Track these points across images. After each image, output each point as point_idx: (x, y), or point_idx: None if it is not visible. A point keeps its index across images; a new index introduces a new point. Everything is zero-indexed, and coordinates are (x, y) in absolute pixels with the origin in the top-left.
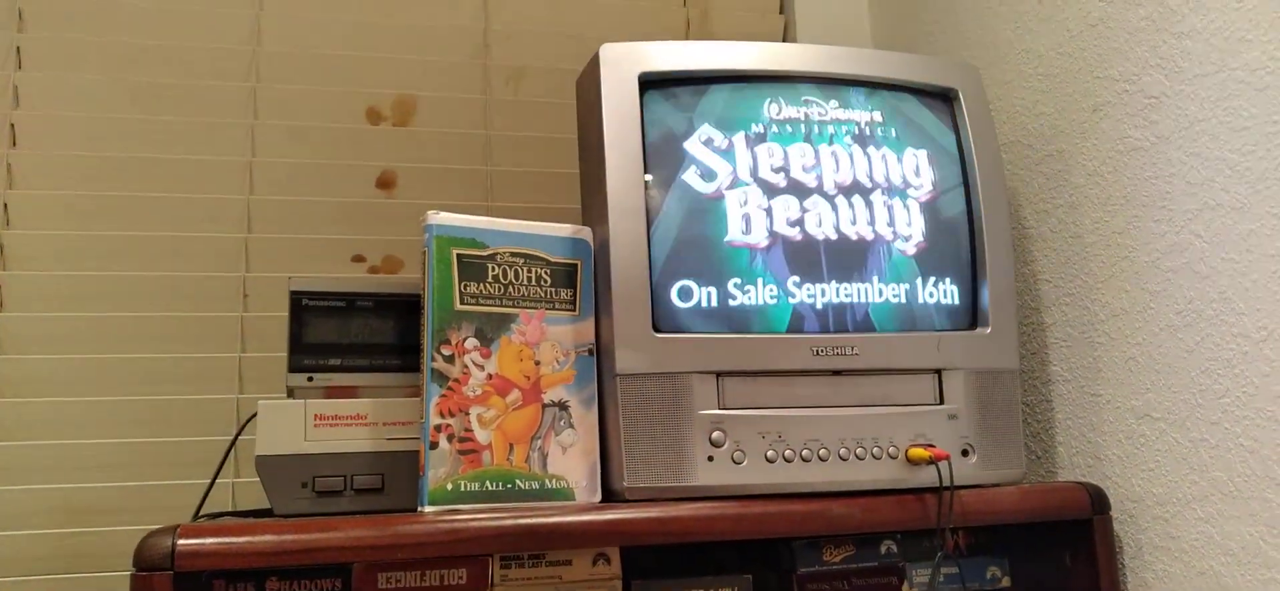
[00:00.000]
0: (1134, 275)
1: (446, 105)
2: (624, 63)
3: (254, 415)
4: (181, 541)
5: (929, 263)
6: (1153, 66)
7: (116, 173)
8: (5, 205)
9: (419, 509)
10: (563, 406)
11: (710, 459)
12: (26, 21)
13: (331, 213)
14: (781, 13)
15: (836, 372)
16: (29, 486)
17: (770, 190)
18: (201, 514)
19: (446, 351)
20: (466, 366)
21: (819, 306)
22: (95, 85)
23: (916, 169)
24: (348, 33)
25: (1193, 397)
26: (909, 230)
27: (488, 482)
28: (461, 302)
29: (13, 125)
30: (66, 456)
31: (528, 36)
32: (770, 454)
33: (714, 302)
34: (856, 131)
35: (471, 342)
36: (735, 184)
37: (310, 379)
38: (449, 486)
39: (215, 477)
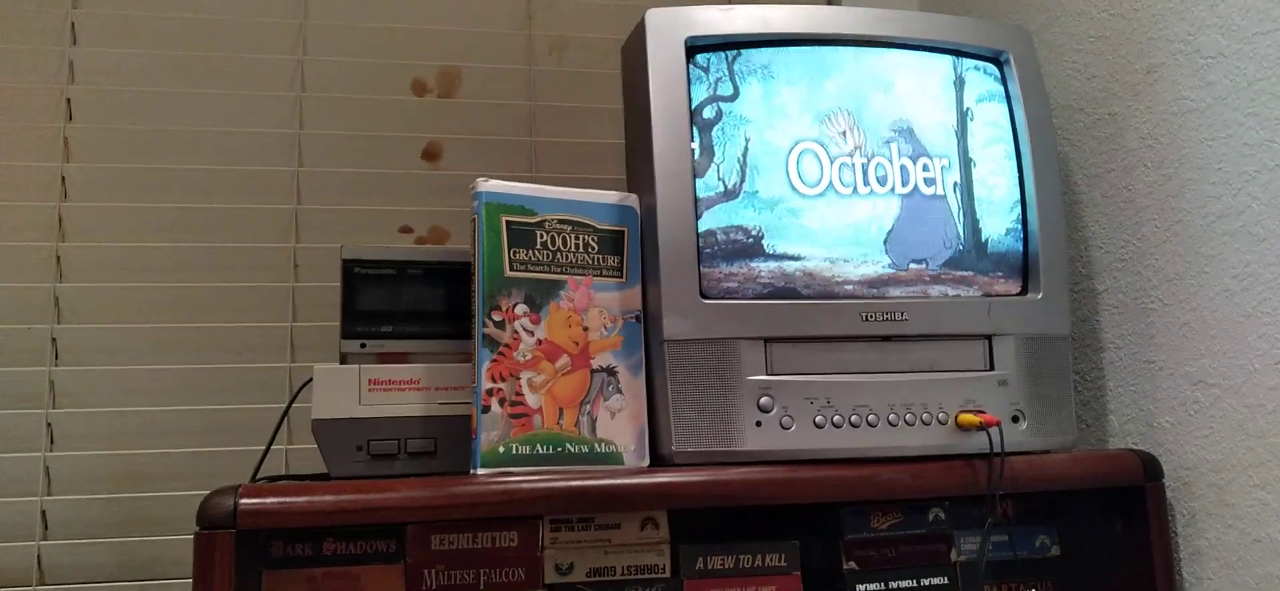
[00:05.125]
0: (1188, 239)
1: (490, 76)
2: (670, 28)
3: (309, 380)
4: (243, 501)
5: (979, 227)
6: (1210, 26)
7: (169, 146)
8: (63, 178)
9: (472, 471)
10: (611, 372)
11: (758, 424)
12: None
13: (378, 184)
14: None
15: (886, 338)
16: (89, 452)
17: (818, 155)
18: (258, 477)
19: (497, 317)
20: (516, 332)
21: (867, 272)
22: (147, 60)
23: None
24: (392, 6)
25: (1249, 363)
26: (959, 194)
27: (538, 446)
28: (511, 269)
29: (68, 100)
30: (124, 423)
31: (570, 7)
32: (819, 419)
33: (762, 268)
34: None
35: (521, 308)
36: (783, 148)
37: (363, 345)
38: (501, 449)
39: (271, 441)
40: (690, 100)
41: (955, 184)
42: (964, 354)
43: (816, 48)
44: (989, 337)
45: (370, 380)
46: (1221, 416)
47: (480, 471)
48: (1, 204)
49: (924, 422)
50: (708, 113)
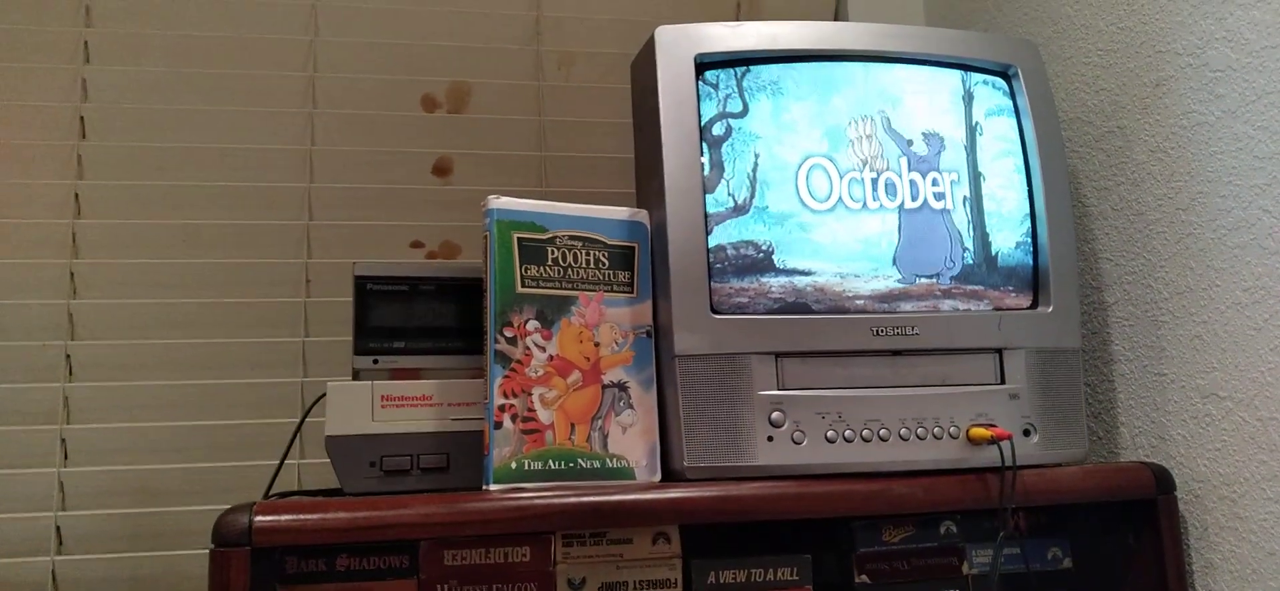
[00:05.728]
0: (1199, 252)
1: (500, 92)
2: (679, 45)
3: (322, 396)
4: (258, 518)
5: (989, 241)
6: (1218, 39)
7: (181, 162)
8: (77, 195)
9: (484, 487)
10: (622, 387)
11: (770, 439)
12: (94, 17)
13: (389, 199)
14: None
15: (897, 352)
16: (102, 468)
17: (827, 170)
18: (271, 493)
19: (509, 333)
20: (528, 348)
21: (878, 286)
22: (160, 77)
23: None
24: (402, 22)
25: (1261, 375)
26: (968, 209)
27: (550, 461)
28: (523, 285)
29: (82, 118)
30: (137, 438)
31: (578, 22)
32: (830, 434)
33: (772, 283)
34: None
35: (533, 324)
36: (792, 164)
37: (376, 361)
38: (513, 465)
39: (284, 457)
40: (700, 116)
41: (965, 198)
42: (975, 367)
43: (825, 63)
44: (1000, 351)
45: (383, 396)
46: (1233, 429)
47: (493, 487)
48: (16, 221)
49: (935, 437)
50: (717, 129)
